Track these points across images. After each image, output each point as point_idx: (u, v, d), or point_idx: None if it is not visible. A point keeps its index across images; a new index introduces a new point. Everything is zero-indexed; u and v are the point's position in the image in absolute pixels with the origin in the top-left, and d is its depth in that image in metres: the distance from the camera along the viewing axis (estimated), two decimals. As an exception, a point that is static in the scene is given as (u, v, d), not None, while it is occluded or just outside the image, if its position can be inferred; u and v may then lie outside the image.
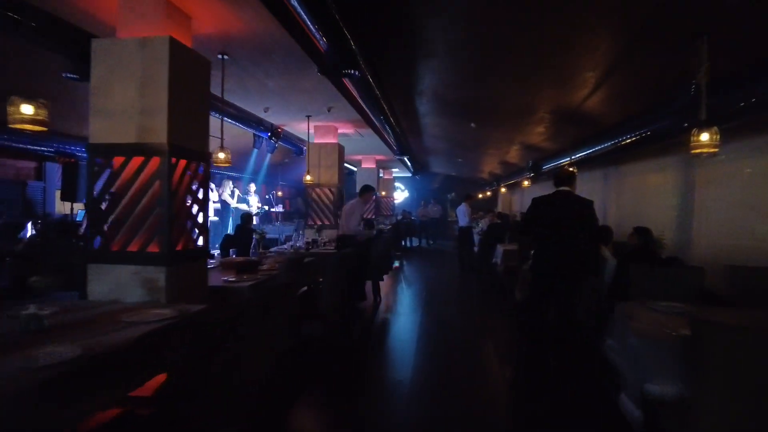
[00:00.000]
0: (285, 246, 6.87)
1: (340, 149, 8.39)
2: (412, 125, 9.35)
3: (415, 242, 16.35)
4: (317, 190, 8.22)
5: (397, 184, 21.00)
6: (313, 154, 8.27)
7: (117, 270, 3.19)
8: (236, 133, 8.59)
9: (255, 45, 4.34)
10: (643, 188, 7.28)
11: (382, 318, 6.03)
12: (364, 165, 13.27)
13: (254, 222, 9.56)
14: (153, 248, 3.19)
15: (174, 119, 3.26)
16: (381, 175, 17.60)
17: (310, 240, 6.91)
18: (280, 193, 11.75)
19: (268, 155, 10.08)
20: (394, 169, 17.29)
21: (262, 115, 7.51)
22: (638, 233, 4.56)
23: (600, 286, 4.33)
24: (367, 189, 6.80)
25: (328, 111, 6.88)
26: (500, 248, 7.85)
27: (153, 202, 3.20)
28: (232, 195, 10.62)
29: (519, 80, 5.77)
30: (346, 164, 13.66)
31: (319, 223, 8.19)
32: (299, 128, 8.56)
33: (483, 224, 10.83)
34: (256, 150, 9.15)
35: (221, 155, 5.08)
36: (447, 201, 20.89)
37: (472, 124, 8.50)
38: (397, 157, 10.47)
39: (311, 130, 8.33)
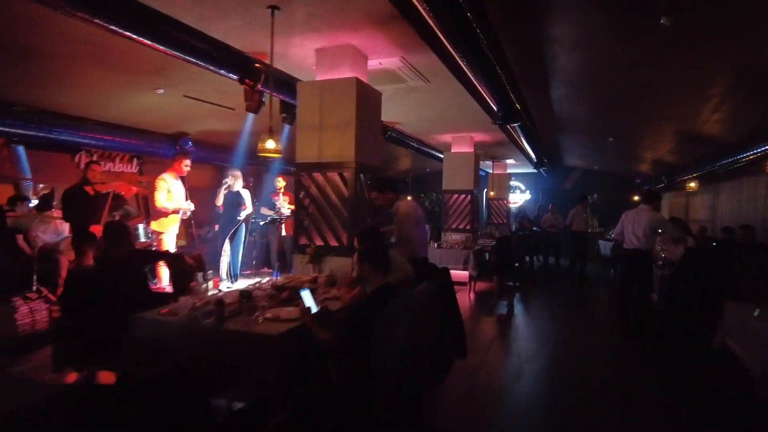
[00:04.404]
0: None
1: (363, 92, 4.14)
2: (526, 52, 4.79)
3: (538, 261, 11.36)
4: (316, 175, 4.09)
5: (514, 182, 16.00)
6: (304, 102, 4.18)
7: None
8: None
9: None
10: None
11: None
12: (456, 149, 8.80)
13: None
14: None
15: None
16: (490, 170, 12.88)
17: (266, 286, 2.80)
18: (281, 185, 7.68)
19: (287, 129, 6.19)
20: (508, 161, 12.47)
21: (188, 19, 3.64)
22: None
23: None
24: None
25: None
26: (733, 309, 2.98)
27: None
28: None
29: None
30: (428, 149, 9.35)
31: (319, 243, 4.05)
32: (299, 57, 4.54)
33: (663, 248, 5.70)
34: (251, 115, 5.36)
35: None
36: (588, 206, 15.20)
37: (663, 20, 3.66)
38: (500, 123, 5.92)
39: (304, 56, 4.28)
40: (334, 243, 3.97)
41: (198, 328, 2.59)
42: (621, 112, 7.39)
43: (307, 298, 2.70)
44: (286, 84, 4.70)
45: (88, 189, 4.79)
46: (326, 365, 2.52)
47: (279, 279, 3.55)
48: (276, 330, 2.48)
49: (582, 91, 6.38)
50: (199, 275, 2.75)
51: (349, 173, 3.94)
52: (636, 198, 14.98)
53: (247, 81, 4.49)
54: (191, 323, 2.61)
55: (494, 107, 6.10)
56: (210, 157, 8.24)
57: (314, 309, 2.66)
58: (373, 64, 4.44)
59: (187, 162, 5.98)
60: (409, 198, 12.34)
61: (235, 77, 4.45)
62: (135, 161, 7.69)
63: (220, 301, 2.60)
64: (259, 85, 4.46)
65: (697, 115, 6.48)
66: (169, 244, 5.96)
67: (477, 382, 3.92)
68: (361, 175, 4.07)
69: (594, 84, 6.07)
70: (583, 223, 9.92)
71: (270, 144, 3.35)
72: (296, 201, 4.15)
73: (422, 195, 16.08)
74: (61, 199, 5.04)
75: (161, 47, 3.68)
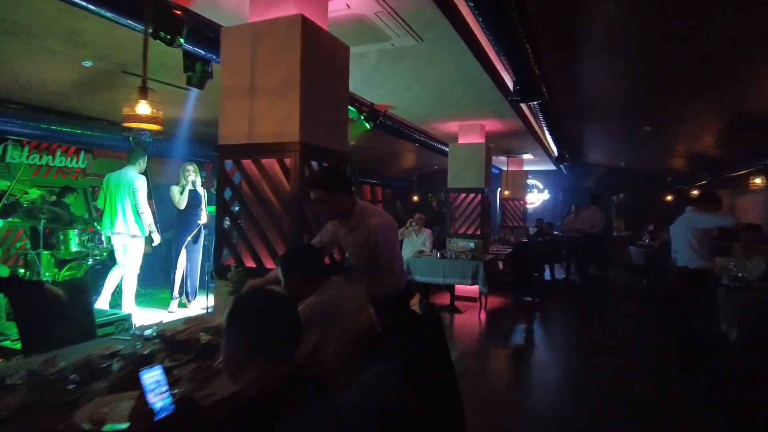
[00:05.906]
0: None
1: (314, 37, 2.82)
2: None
3: (559, 272, 9.93)
4: (246, 162, 2.80)
5: (532, 181, 14.58)
6: (230, 56, 2.90)
7: None
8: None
9: None
10: None
11: None
12: (463, 139, 7.45)
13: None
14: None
15: None
16: (504, 167, 11.49)
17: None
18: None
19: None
20: (525, 155, 11.06)
21: None
22: None
23: None
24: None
25: None
26: None
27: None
28: (182, 192, 5.74)
29: None
30: (431, 141, 8.04)
31: (250, 264, 2.76)
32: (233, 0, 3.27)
33: (737, 265, 4.29)
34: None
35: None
36: (612, 207, 13.76)
37: None
38: (516, 100, 4.60)
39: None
40: (270, 265, 2.68)
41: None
42: (663, 93, 6.01)
43: (151, 385, 1.41)
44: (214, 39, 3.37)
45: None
46: None
47: (174, 327, 2.26)
48: None
49: (620, 61, 5.01)
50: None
51: (291, 160, 2.64)
52: (668, 198, 13.49)
53: (163, 34, 3.24)
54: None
55: (508, 80, 4.80)
56: (173, 149, 7.02)
57: (162, 407, 1.37)
58: (339, 7, 3.15)
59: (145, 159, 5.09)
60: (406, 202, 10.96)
61: (151, 31, 3.21)
62: (81, 155, 6.49)
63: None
64: (179, 39, 3.21)
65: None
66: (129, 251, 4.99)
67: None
68: (314, 164, 2.77)
69: (637, 51, 4.71)
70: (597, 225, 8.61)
71: (143, 108, 2.08)
72: (219, 202, 2.85)
73: (429, 195, 14.75)
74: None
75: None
